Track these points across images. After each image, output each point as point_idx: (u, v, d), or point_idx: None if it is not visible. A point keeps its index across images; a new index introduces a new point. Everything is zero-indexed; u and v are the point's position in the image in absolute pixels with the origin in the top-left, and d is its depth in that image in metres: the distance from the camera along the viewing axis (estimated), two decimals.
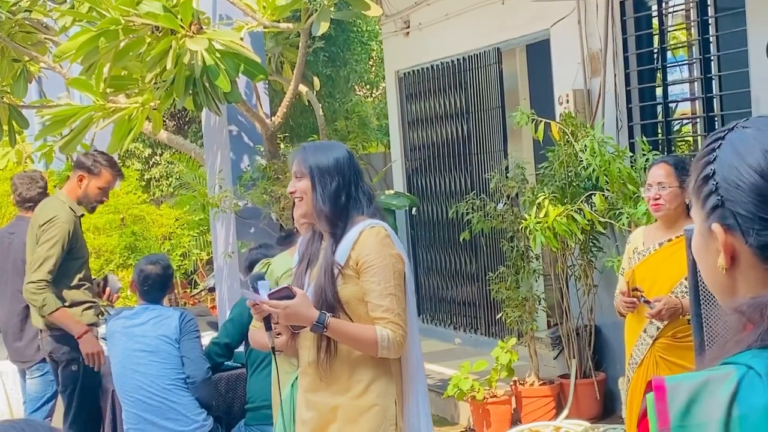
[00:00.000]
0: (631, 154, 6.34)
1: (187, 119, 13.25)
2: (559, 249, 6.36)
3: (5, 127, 7.48)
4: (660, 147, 6.62)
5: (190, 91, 5.92)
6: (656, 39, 6.91)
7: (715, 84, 6.41)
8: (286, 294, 3.28)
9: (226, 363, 5.45)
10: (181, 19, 5.68)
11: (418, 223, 9.66)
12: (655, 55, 6.93)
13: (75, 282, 5.67)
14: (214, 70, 5.69)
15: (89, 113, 6.64)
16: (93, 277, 6.11)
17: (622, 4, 6.82)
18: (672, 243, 4.39)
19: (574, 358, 6.74)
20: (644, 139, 6.24)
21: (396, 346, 3.33)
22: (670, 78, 6.98)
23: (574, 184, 6.35)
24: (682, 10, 7.22)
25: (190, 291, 12.73)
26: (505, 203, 6.96)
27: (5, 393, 7.15)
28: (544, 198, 6.14)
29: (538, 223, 6.06)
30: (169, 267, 5.35)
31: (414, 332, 3.48)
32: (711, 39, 6.42)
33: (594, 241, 6.52)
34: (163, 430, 5.03)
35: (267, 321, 3.37)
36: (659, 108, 6.88)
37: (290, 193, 3.49)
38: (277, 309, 3.26)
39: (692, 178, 1.38)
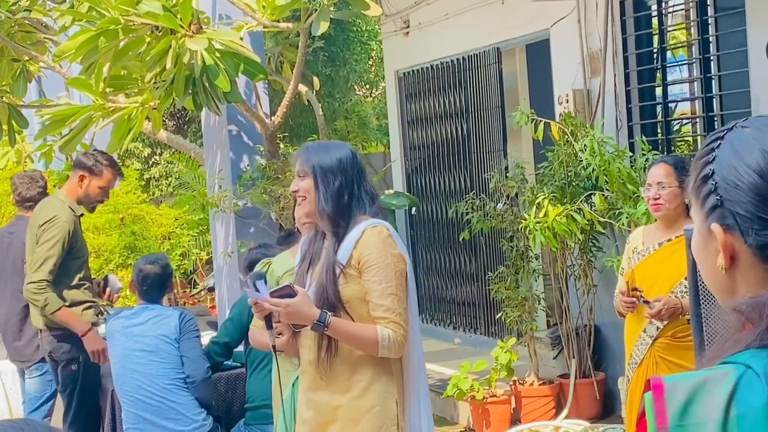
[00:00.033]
0: (631, 154, 6.34)
1: (186, 119, 13.26)
2: (558, 249, 6.36)
3: (5, 127, 7.47)
4: (660, 147, 6.62)
5: (190, 91, 5.91)
6: (656, 39, 6.91)
7: (714, 84, 6.41)
8: (288, 292, 3.28)
9: (225, 363, 5.44)
10: (181, 19, 5.68)
11: (417, 223, 9.66)
12: (655, 55, 6.93)
13: (75, 282, 5.67)
14: (213, 69, 5.69)
15: (89, 113, 6.63)
16: (93, 276, 6.11)
17: (621, 4, 6.82)
18: (671, 243, 4.39)
19: (573, 357, 6.74)
20: (644, 138, 6.24)
21: (397, 346, 3.32)
22: (669, 78, 6.98)
23: (574, 183, 6.35)
24: (682, 9, 7.23)
25: (190, 291, 12.73)
26: (505, 203, 6.96)
27: (5, 392, 7.15)
28: (544, 198, 6.14)
29: (538, 222, 6.06)
30: (168, 266, 5.35)
31: (415, 332, 3.48)
32: (711, 39, 6.42)
33: (593, 241, 6.52)
34: (162, 430, 5.03)
35: (268, 319, 3.37)
36: (659, 108, 6.88)
37: (293, 191, 3.49)
38: (278, 308, 3.26)
39: (691, 178, 1.39)
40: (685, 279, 3.96)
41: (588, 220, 6.08)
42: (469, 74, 8.63)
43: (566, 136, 6.37)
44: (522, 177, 6.87)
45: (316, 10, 6.62)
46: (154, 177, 13.32)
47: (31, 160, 9.78)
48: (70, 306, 5.61)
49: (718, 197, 1.32)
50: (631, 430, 4.64)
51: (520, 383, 6.85)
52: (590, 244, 6.51)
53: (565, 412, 6.65)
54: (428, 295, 9.51)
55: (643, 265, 4.48)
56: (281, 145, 8.86)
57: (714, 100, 6.43)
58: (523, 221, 6.27)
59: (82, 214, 5.83)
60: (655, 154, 5.87)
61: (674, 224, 4.40)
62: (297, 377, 3.76)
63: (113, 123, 6.68)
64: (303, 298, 3.28)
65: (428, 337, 8.79)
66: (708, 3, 6.34)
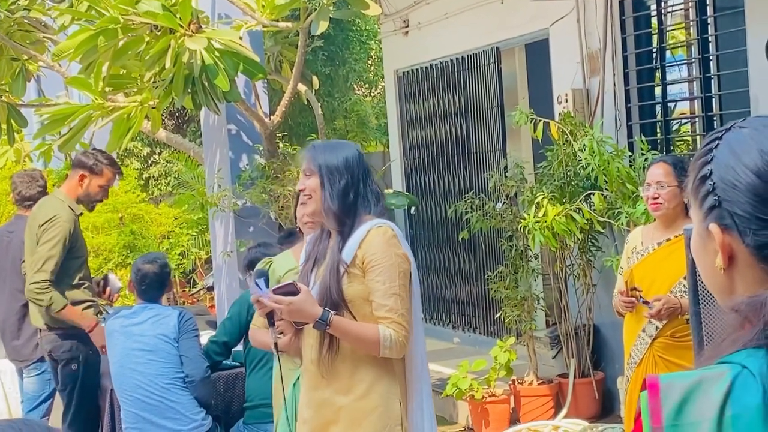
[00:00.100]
0: (630, 154, 6.34)
1: (185, 118, 13.25)
2: (557, 248, 6.36)
3: (4, 126, 7.47)
4: (659, 146, 6.62)
5: (189, 90, 5.91)
6: (655, 38, 6.91)
7: (714, 83, 6.41)
8: (291, 290, 3.28)
9: (224, 362, 5.44)
10: (180, 18, 5.68)
11: (417, 223, 9.66)
12: (654, 55, 6.93)
13: (75, 281, 5.67)
14: (213, 69, 5.69)
15: (88, 112, 6.63)
16: (92, 276, 6.11)
17: (621, 4, 6.82)
18: (670, 242, 4.39)
19: (572, 357, 6.75)
20: (643, 138, 6.24)
21: (398, 347, 3.32)
22: (669, 77, 6.98)
23: (573, 183, 6.35)
24: (681, 9, 7.22)
25: (189, 290, 12.72)
26: (504, 202, 6.96)
27: (3, 392, 7.15)
28: (543, 197, 6.14)
29: (537, 222, 6.06)
30: (167, 266, 5.34)
31: (419, 332, 3.48)
32: (710, 38, 6.42)
33: (593, 241, 6.52)
34: (161, 429, 5.02)
35: (270, 317, 3.37)
36: (658, 107, 6.88)
37: (299, 190, 3.49)
38: (280, 305, 3.26)
39: (690, 178, 1.39)
40: (684, 279, 3.96)
41: (587, 220, 6.09)
42: (469, 74, 8.63)
43: (565, 136, 6.37)
44: (521, 176, 6.87)
45: (315, 9, 6.62)
46: (154, 176, 13.31)
47: (30, 159, 9.78)
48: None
49: (716, 197, 1.32)
50: (629, 430, 4.64)
51: (519, 383, 6.85)
52: (589, 243, 6.51)
53: (564, 411, 6.65)
54: (427, 294, 9.51)
55: (642, 265, 4.48)
56: (280, 145, 8.86)
57: (713, 99, 6.43)
58: (522, 221, 6.27)
59: (81, 213, 5.83)
60: (655, 154, 5.87)
61: (673, 224, 4.39)
62: (298, 377, 3.77)
63: (112, 122, 6.68)
64: (306, 296, 3.28)
65: (427, 336, 8.73)
66: (707, 3, 6.34)
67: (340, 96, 13.20)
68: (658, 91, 6.90)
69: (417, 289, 3.48)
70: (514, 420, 6.76)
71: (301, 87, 7.78)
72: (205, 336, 5.54)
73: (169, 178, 13.13)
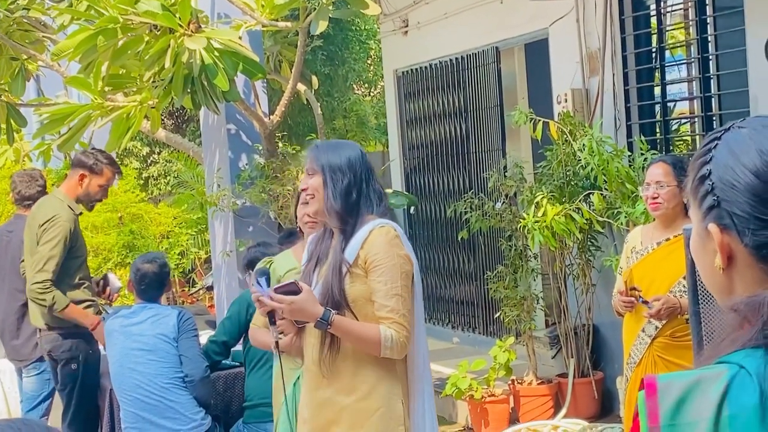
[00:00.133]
0: (630, 154, 6.34)
1: (185, 118, 13.25)
2: (557, 248, 6.36)
3: (3, 126, 7.47)
4: (658, 146, 6.62)
5: (189, 90, 5.91)
6: (655, 38, 6.91)
7: (713, 83, 6.41)
8: (292, 289, 3.28)
9: (224, 362, 5.44)
10: (180, 18, 5.68)
11: (416, 222, 9.66)
12: (654, 55, 6.93)
13: (75, 281, 5.67)
14: (212, 68, 5.69)
15: (87, 112, 6.63)
16: (91, 275, 6.11)
17: (620, 3, 6.82)
18: (670, 242, 4.39)
19: (572, 357, 6.74)
20: (642, 138, 6.24)
21: (399, 347, 3.32)
22: (668, 77, 6.98)
23: (573, 183, 6.35)
24: (681, 9, 7.23)
25: (188, 290, 12.73)
26: (504, 202, 6.96)
27: (3, 392, 7.14)
28: (543, 197, 6.14)
29: (537, 222, 6.06)
30: (166, 265, 5.34)
31: (420, 332, 3.48)
32: (709, 38, 6.42)
33: (592, 241, 6.52)
34: (161, 429, 5.02)
35: (271, 316, 3.37)
36: (657, 107, 6.88)
37: (302, 189, 3.50)
38: (282, 305, 3.26)
39: (689, 178, 1.39)
40: (684, 278, 3.96)
41: (586, 220, 6.08)
42: (468, 73, 8.63)
43: (565, 136, 6.37)
44: (521, 176, 6.87)
45: (314, 9, 6.62)
46: (153, 176, 13.32)
47: (30, 159, 9.78)
48: None
49: (715, 197, 1.32)
50: (628, 430, 4.65)
51: (518, 382, 6.85)
52: (589, 243, 6.51)
53: (563, 411, 6.65)
54: (427, 294, 9.50)
55: (642, 265, 4.48)
56: (280, 144, 8.86)
57: (713, 99, 6.43)
58: (521, 220, 6.27)
59: (80, 213, 5.83)
60: (654, 154, 5.87)
61: (673, 223, 4.39)
62: (298, 377, 3.77)
63: (112, 122, 6.68)
64: (307, 296, 3.28)
65: (427, 336, 8.78)
66: (707, 2, 6.34)
67: (339, 96, 13.20)
68: (657, 90, 6.90)
69: (419, 290, 3.48)
70: (513, 420, 6.76)
71: (301, 87, 7.79)
72: (205, 336, 5.54)
73: (168, 177, 13.13)
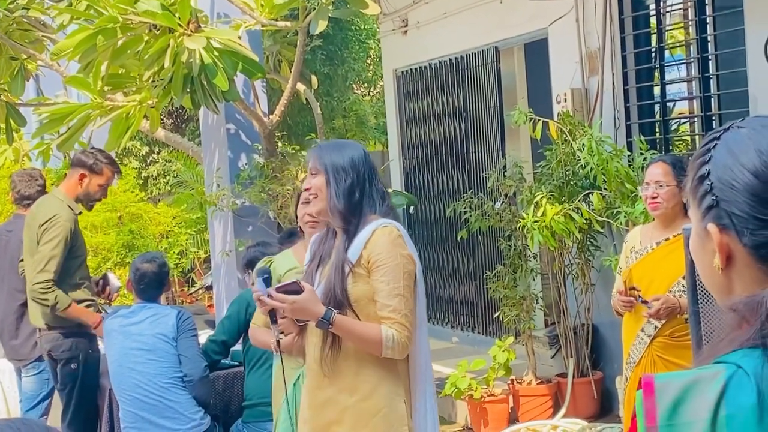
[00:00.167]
0: (629, 153, 6.34)
1: (184, 117, 13.25)
2: (556, 248, 6.36)
3: (2, 125, 7.47)
4: (658, 146, 6.62)
5: (188, 90, 5.91)
6: (654, 38, 6.91)
7: (712, 83, 6.41)
8: (294, 289, 3.29)
9: (223, 361, 5.44)
10: (179, 18, 5.68)
11: (415, 222, 9.66)
12: (653, 54, 6.93)
13: (75, 280, 5.67)
14: (212, 68, 5.69)
15: (87, 111, 6.63)
16: (91, 275, 6.11)
17: (620, 3, 6.82)
18: (669, 242, 4.39)
19: (571, 356, 6.75)
20: (642, 138, 6.24)
21: (400, 347, 3.32)
22: (667, 77, 6.98)
23: (572, 183, 6.35)
24: (680, 9, 7.23)
25: (188, 289, 12.73)
26: (503, 202, 6.96)
27: (2, 391, 7.14)
28: (542, 197, 6.14)
29: (536, 221, 6.06)
30: (165, 265, 5.34)
31: (423, 333, 3.49)
32: (709, 38, 6.42)
33: (591, 240, 6.52)
34: (160, 429, 5.02)
35: (272, 315, 3.37)
36: (657, 107, 6.88)
37: (305, 189, 3.50)
38: (284, 304, 3.26)
39: (689, 178, 1.39)
40: (683, 278, 3.96)
41: (586, 219, 6.08)
42: (468, 73, 8.63)
43: (564, 135, 6.37)
44: (520, 176, 6.87)
45: (314, 8, 6.62)
46: (152, 175, 13.32)
47: (29, 158, 9.78)
48: None
49: (714, 197, 1.32)
50: (627, 429, 4.65)
51: (517, 382, 6.85)
52: (588, 243, 6.51)
53: (562, 411, 6.65)
54: (426, 293, 9.45)
55: (641, 265, 4.48)
56: (279, 144, 8.86)
57: (712, 99, 6.43)
58: (521, 220, 6.27)
59: (80, 213, 5.83)
60: (653, 153, 5.87)
61: (672, 223, 4.39)
62: (298, 376, 3.77)
63: (111, 121, 6.68)
64: (309, 295, 3.28)
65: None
66: (706, 2, 6.35)
67: (339, 95, 13.20)
68: (657, 90, 6.90)
69: (422, 290, 3.48)
70: (512, 419, 6.75)
71: (300, 86, 7.79)
72: (204, 335, 5.54)
73: (167, 177, 13.13)
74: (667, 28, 7.18)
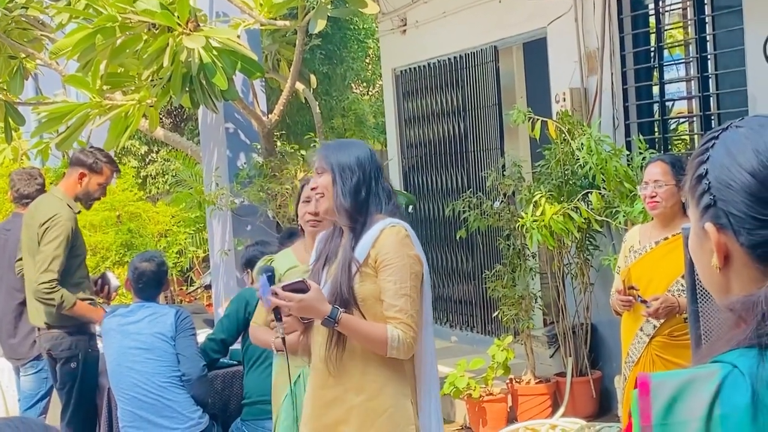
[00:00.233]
0: (628, 153, 6.34)
1: (183, 116, 13.25)
2: (555, 247, 6.36)
3: (1, 124, 7.48)
4: (656, 145, 6.63)
5: (187, 89, 5.92)
6: (653, 37, 6.91)
7: (711, 82, 6.41)
8: (301, 287, 3.29)
9: (222, 360, 5.44)
10: (178, 17, 5.68)
11: (414, 221, 9.66)
12: (652, 54, 6.93)
13: (75, 279, 5.67)
14: (210, 67, 5.69)
15: (85, 110, 6.64)
16: (89, 274, 6.11)
17: (619, 3, 6.82)
18: (668, 241, 4.39)
19: (570, 356, 6.75)
20: (641, 137, 6.24)
21: (405, 347, 3.33)
22: (666, 76, 6.98)
23: (571, 182, 6.35)
24: (679, 8, 7.22)
25: (186, 288, 12.73)
26: (502, 201, 6.96)
27: (1, 390, 7.14)
28: (541, 196, 6.14)
29: (535, 221, 6.06)
30: (164, 264, 5.34)
31: (429, 333, 3.49)
32: (708, 37, 6.42)
33: (590, 240, 6.52)
34: (158, 428, 5.02)
35: (277, 312, 3.37)
36: (656, 106, 6.88)
37: (312, 188, 3.51)
38: (290, 302, 3.26)
39: (687, 177, 1.39)
40: (682, 277, 3.96)
41: (585, 219, 6.09)
42: (467, 72, 8.63)
43: (563, 135, 6.37)
44: (519, 175, 6.87)
45: (313, 7, 6.62)
46: (151, 174, 13.31)
47: (28, 157, 9.78)
48: None
49: (712, 197, 1.33)
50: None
51: (516, 381, 6.85)
52: (587, 242, 6.51)
53: (561, 410, 6.66)
54: None
55: (640, 264, 4.48)
56: (278, 143, 8.86)
57: (711, 98, 6.44)
58: (520, 219, 6.27)
59: (79, 212, 5.83)
60: (652, 153, 5.87)
61: (671, 223, 4.40)
62: (299, 375, 3.77)
63: (110, 120, 6.68)
64: (316, 294, 3.28)
65: None
66: (705, 1, 6.35)
67: (337, 94, 13.20)
68: (656, 90, 6.90)
69: (428, 291, 3.48)
70: (511, 419, 6.76)
71: (299, 85, 7.79)
72: (202, 335, 5.54)
73: (166, 176, 13.13)
74: (666, 27, 7.19)
